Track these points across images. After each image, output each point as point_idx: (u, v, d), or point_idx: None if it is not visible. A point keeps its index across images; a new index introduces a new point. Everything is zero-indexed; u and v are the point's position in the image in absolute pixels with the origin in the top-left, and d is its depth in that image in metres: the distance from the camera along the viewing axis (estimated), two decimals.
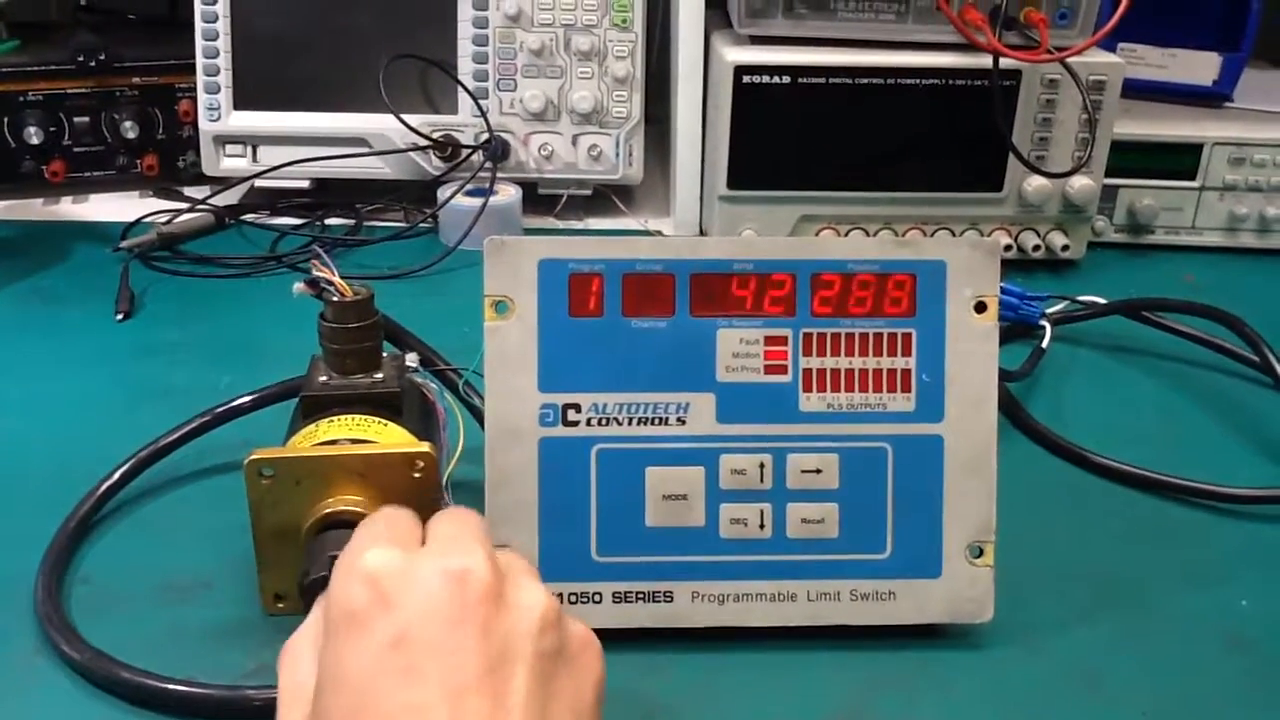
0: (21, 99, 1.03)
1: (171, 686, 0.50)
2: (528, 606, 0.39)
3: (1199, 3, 1.12)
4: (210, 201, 1.04)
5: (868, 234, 0.99)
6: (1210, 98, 1.11)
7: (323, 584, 0.44)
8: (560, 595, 0.53)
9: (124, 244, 0.94)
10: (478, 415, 0.60)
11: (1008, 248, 0.99)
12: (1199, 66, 1.10)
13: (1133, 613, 0.58)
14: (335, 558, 0.47)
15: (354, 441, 0.53)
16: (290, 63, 1.04)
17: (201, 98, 1.04)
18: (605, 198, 1.09)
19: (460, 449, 0.58)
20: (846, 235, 0.98)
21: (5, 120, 1.03)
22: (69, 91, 1.04)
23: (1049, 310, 0.85)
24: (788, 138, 0.95)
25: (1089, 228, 1.01)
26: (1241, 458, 0.73)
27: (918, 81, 0.94)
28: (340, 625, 0.38)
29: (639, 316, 0.53)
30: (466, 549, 0.39)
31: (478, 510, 0.45)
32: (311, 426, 0.54)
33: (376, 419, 0.55)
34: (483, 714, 0.36)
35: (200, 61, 1.03)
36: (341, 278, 0.56)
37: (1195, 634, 0.57)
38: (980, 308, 0.54)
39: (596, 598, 0.54)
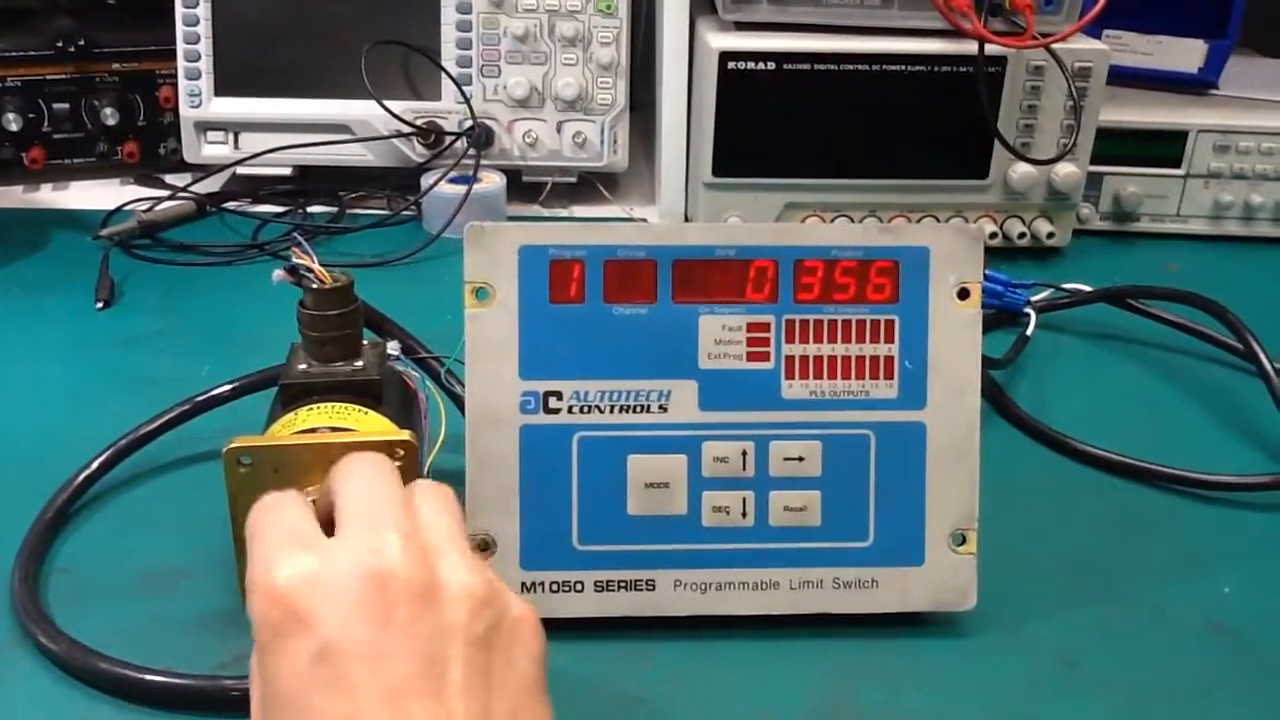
0: (0, 85, 1.02)
1: (149, 677, 0.49)
2: (456, 593, 0.37)
3: None
4: (191, 189, 1.03)
5: (853, 221, 0.98)
6: (1196, 85, 1.11)
7: None
8: (542, 584, 0.53)
9: (104, 232, 0.94)
10: (459, 403, 0.59)
11: (993, 235, 0.99)
12: (1184, 53, 1.10)
13: (1115, 600, 0.58)
14: None
15: (334, 429, 0.52)
16: (272, 49, 1.03)
17: (182, 84, 1.03)
18: (590, 185, 1.08)
19: (442, 437, 0.58)
20: (832, 222, 0.98)
21: None
22: (48, 78, 1.03)
23: (1034, 298, 0.85)
24: (773, 125, 0.95)
25: (1074, 215, 1.01)
26: (1225, 445, 0.73)
27: (903, 68, 0.93)
28: (265, 644, 0.36)
29: (621, 303, 0.53)
30: (383, 540, 0.37)
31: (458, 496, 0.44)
32: (291, 415, 0.54)
33: (356, 407, 0.54)
34: (424, 714, 0.35)
35: (181, 47, 1.02)
36: (322, 265, 0.55)
37: (1178, 621, 0.57)
38: (964, 294, 0.54)
39: (578, 586, 0.54)
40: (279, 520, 0.40)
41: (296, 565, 0.37)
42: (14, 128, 1.02)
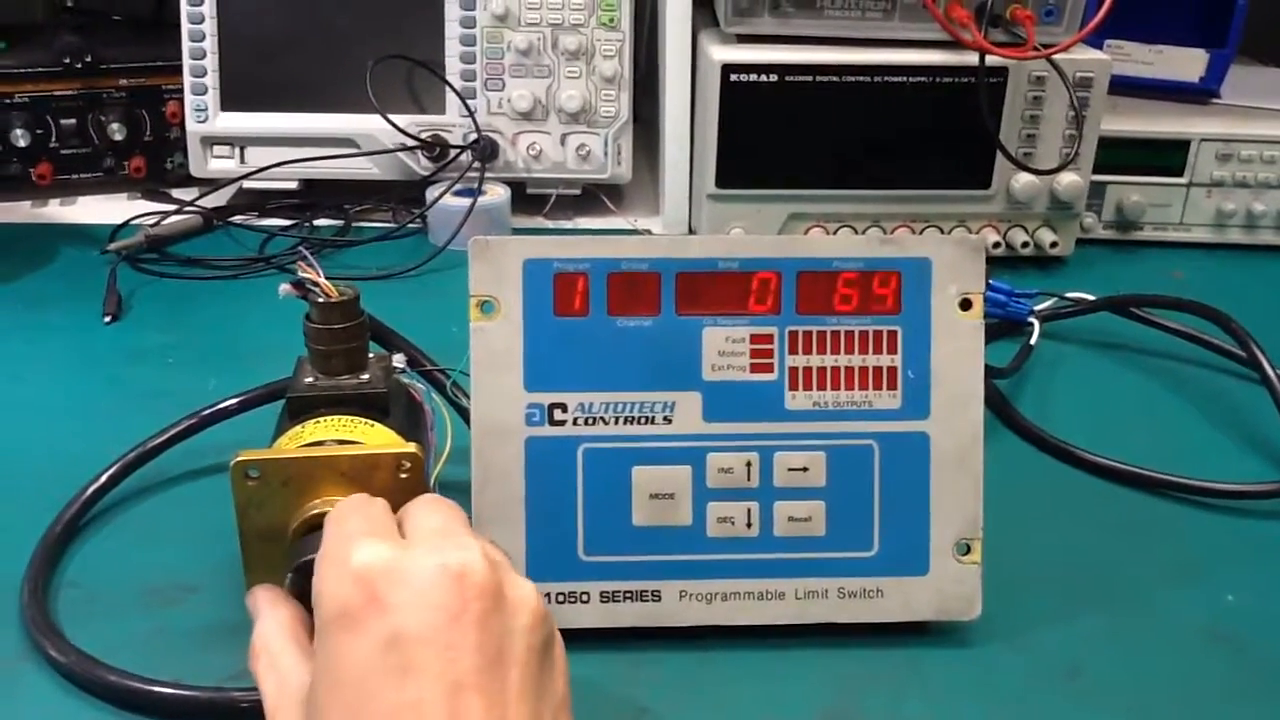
0: (8, 101, 1.02)
1: (158, 689, 0.50)
2: (521, 601, 0.39)
3: None
4: (198, 203, 1.04)
5: (856, 232, 0.99)
6: (1197, 94, 1.11)
7: (309, 568, 0.44)
8: (548, 595, 0.53)
9: (111, 246, 0.94)
10: (465, 415, 0.60)
11: (996, 244, 0.99)
12: (1186, 63, 1.11)
13: (1120, 608, 0.58)
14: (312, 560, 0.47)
15: (340, 442, 0.53)
16: (277, 63, 1.04)
17: (189, 99, 1.04)
18: (594, 197, 1.09)
19: (448, 449, 0.58)
20: (835, 233, 0.99)
21: None
22: (55, 94, 1.04)
23: (1037, 307, 0.85)
24: (775, 136, 0.95)
25: (1077, 224, 1.01)
26: (1228, 453, 0.73)
27: (905, 79, 0.94)
28: (332, 624, 0.38)
29: (624, 316, 0.53)
30: (462, 543, 0.39)
31: (463, 508, 0.45)
32: (298, 427, 0.54)
33: (363, 419, 0.54)
34: (479, 711, 0.36)
35: (187, 62, 1.03)
36: (327, 278, 0.56)
37: (1182, 629, 0.57)
38: (966, 305, 0.54)
39: (584, 597, 0.54)
40: (362, 513, 0.42)
41: (377, 552, 0.38)
42: (22, 143, 1.03)
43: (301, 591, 0.47)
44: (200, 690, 0.50)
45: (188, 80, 1.03)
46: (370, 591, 0.37)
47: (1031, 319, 0.83)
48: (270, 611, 0.45)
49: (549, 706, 0.38)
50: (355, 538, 0.40)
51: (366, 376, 0.56)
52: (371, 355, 0.58)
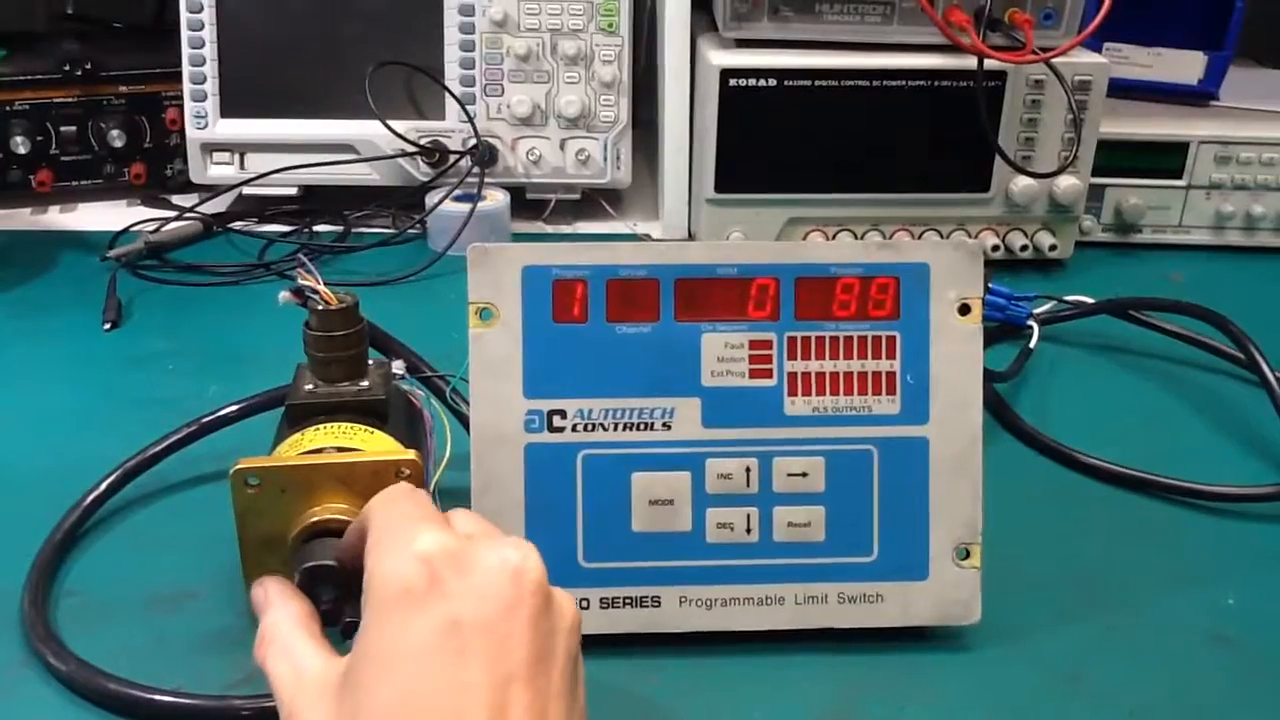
0: (8, 109, 1.03)
1: (158, 697, 0.50)
2: (565, 605, 0.40)
3: (1184, 2, 1.12)
4: (198, 209, 1.04)
5: (855, 236, 0.99)
6: (1196, 96, 1.11)
7: (321, 571, 0.46)
8: None
9: (111, 253, 0.94)
10: (465, 422, 0.60)
11: (995, 248, 0.99)
12: (1184, 65, 1.11)
13: (1120, 612, 0.58)
14: (323, 566, 0.47)
15: (340, 450, 0.53)
16: (277, 70, 1.04)
17: (188, 105, 1.04)
18: (594, 202, 1.09)
19: (448, 456, 0.58)
20: (834, 237, 0.99)
21: None
22: (55, 101, 1.04)
23: (1036, 310, 0.85)
24: (774, 140, 0.95)
25: (1076, 227, 1.01)
26: (1228, 456, 0.73)
27: (903, 83, 0.94)
28: (392, 602, 0.38)
29: (623, 322, 0.54)
30: (517, 542, 0.40)
31: None
32: (297, 435, 0.54)
33: (362, 427, 0.55)
34: (524, 704, 0.37)
35: (186, 69, 1.03)
36: (327, 285, 0.56)
37: (1182, 633, 0.57)
38: (964, 310, 0.54)
39: (584, 603, 0.54)
40: (414, 500, 0.43)
41: (440, 539, 0.39)
42: (22, 150, 1.03)
43: (309, 594, 0.47)
44: (201, 698, 0.50)
45: (187, 87, 1.03)
46: (434, 574, 0.38)
47: (1031, 322, 0.83)
48: (282, 602, 0.45)
49: (578, 710, 0.40)
50: (416, 522, 0.41)
51: (366, 383, 0.57)
52: (371, 362, 0.58)
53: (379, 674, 0.37)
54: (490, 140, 1.04)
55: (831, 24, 0.94)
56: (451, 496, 0.56)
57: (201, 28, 1.02)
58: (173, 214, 1.03)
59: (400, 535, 0.40)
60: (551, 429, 0.54)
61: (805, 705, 0.52)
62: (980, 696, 0.53)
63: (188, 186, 1.08)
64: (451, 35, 1.03)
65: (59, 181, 1.06)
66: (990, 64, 0.91)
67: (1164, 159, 1.04)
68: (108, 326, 0.85)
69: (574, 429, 0.54)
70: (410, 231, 1.02)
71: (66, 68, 1.03)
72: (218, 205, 1.06)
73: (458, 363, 0.58)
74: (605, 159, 1.05)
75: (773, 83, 0.93)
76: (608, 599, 0.54)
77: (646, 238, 1.05)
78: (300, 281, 0.55)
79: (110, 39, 1.13)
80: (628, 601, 0.54)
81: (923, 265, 0.54)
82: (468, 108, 1.03)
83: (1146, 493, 0.68)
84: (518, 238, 1.02)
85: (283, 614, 0.45)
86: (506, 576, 0.39)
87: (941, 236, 0.99)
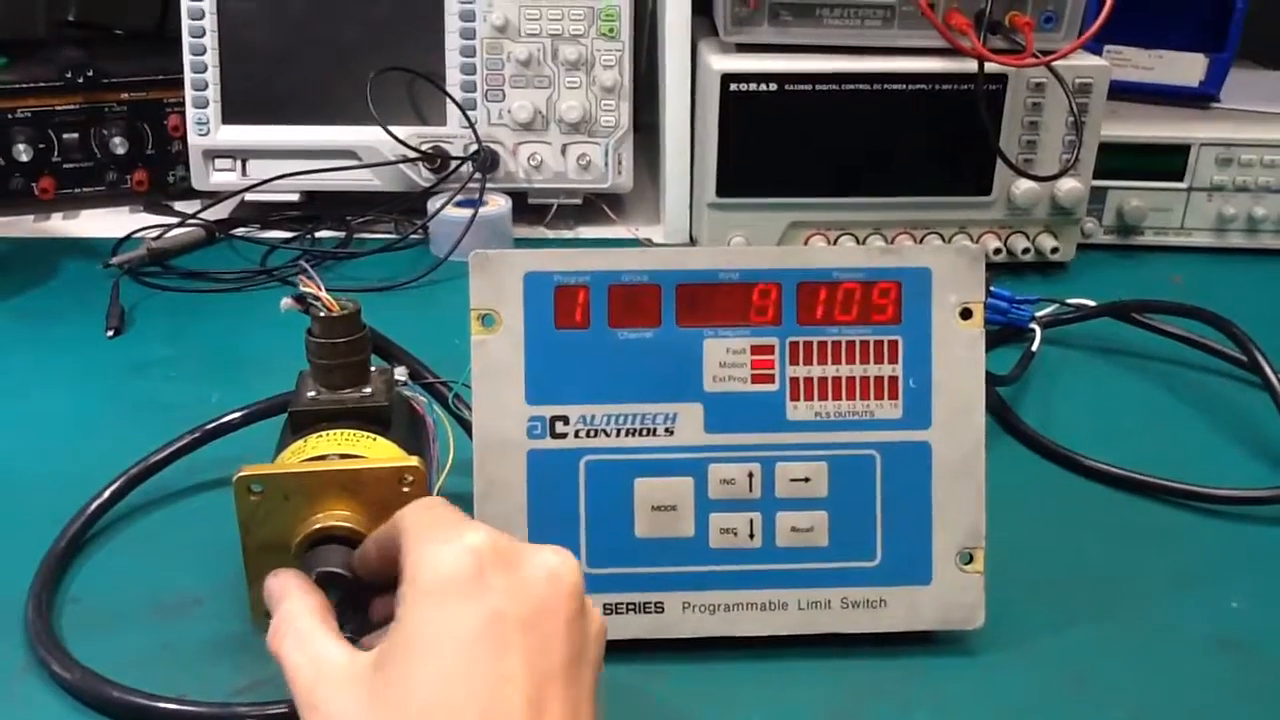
0: (10, 116, 1.03)
1: (163, 705, 0.50)
2: (594, 614, 0.42)
3: (1184, 4, 1.12)
4: (200, 216, 1.04)
5: (857, 239, 0.99)
6: (1197, 98, 1.11)
7: (324, 578, 0.47)
8: None
9: (114, 260, 0.95)
10: (467, 428, 0.60)
11: (997, 251, 0.99)
12: (1185, 67, 1.11)
13: (1124, 616, 0.58)
14: (326, 573, 0.47)
15: (343, 456, 0.53)
16: (279, 76, 1.04)
17: (190, 112, 1.04)
18: (595, 207, 1.09)
19: (450, 462, 0.58)
20: (836, 241, 0.99)
21: None
22: (58, 108, 1.04)
23: (1038, 313, 0.85)
24: (775, 145, 0.95)
25: (1078, 230, 1.01)
26: (1231, 458, 0.73)
27: (904, 87, 0.94)
28: (437, 591, 0.39)
29: (625, 327, 0.54)
30: (556, 549, 0.42)
31: None
32: (300, 442, 0.54)
33: (365, 433, 0.55)
34: (560, 702, 0.38)
35: (189, 76, 1.03)
36: (329, 292, 0.56)
37: (1186, 636, 0.57)
38: (966, 314, 0.54)
39: None
40: (454, 510, 0.44)
41: (488, 537, 0.41)
42: (24, 158, 1.03)
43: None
44: (205, 706, 0.50)
45: (189, 93, 1.04)
46: (480, 566, 0.39)
47: (1033, 325, 0.83)
48: (300, 594, 0.46)
49: (602, 714, 0.41)
50: (460, 522, 0.42)
51: (368, 390, 0.57)
52: (373, 368, 0.58)
53: (421, 658, 0.38)
54: (492, 145, 1.04)
55: (832, 28, 0.94)
56: (454, 502, 0.56)
57: (203, 34, 1.02)
58: (175, 220, 1.03)
59: (447, 531, 0.41)
60: (554, 435, 0.54)
61: (809, 710, 0.52)
62: (984, 701, 0.53)
63: (190, 193, 1.08)
64: (452, 41, 1.03)
65: (61, 189, 1.06)
66: (991, 67, 0.91)
67: (1165, 161, 1.04)
68: (110, 333, 0.85)
69: (576, 435, 0.54)
70: (412, 237, 1.02)
71: (68, 75, 1.04)
72: (220, 212, 1.06)
73: (460, 369, 0.58)
74: (606, 164, 1.05)
75: (774, 87, 0.93)
76: (611, 604, 0.54)
77: (648, 243, 1.05)
78: (302, 288, 0.56)
79: (112, 46, 1.13)
80: (631, 607, 0.54)
81: (924, 269, 0.54)
82: (469, 113, 1.03)
83: (1149, 496, 0.68)
84: (519, 243, 1.02)
85: (300, 605, 0.45)
86: (547, 579, 0.40)
87: (943, 240, 0.99)
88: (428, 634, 0.38)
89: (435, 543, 0.41)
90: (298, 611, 0.44)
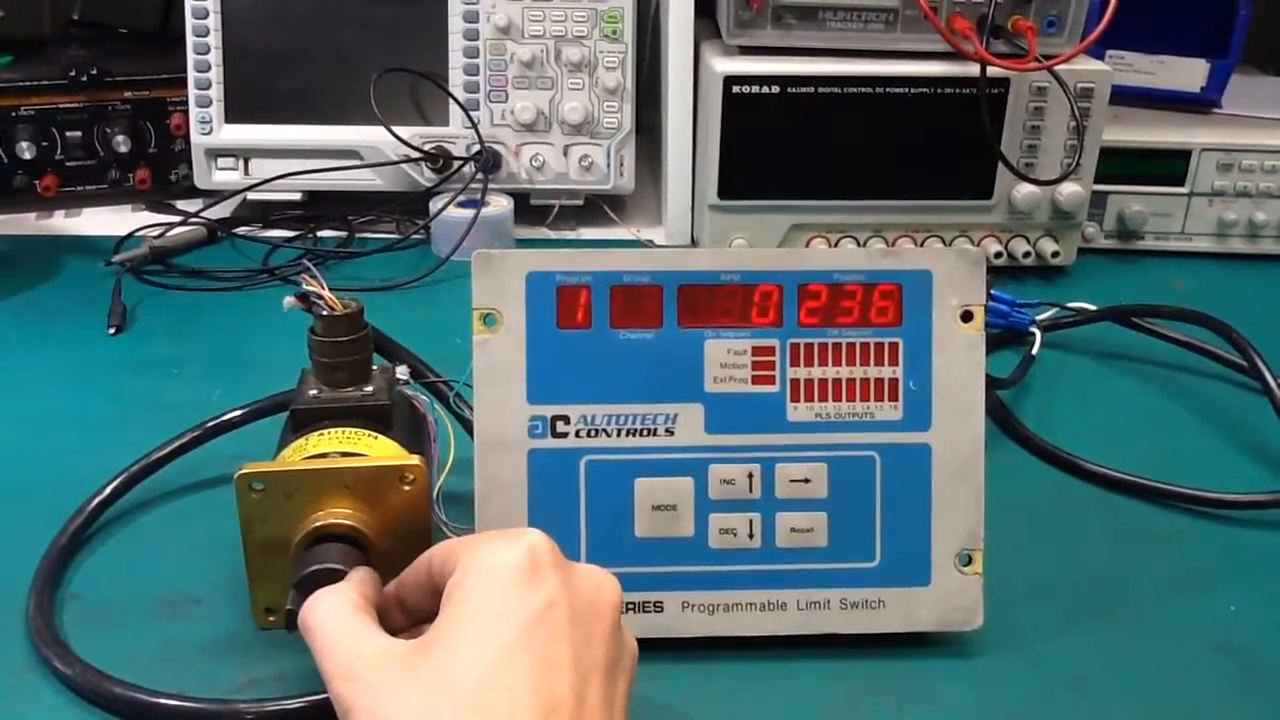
0: (13, 114, 1.03)
1: (163, 701, 0.50)
2: (631, 636, 0.45)
3: (1186, 9, 1.12)
4: (202, 215, 1.04)
5: (858, 242, 0.99)
6: (1198, 104, 1.11)
7: (325, 575, 0.47)
8: None
9: (116, 258, 0.95)
10: (468, 427, 0.60)
11: (998, 254, 0.99)
12: (1187, 73, 1.11)
13: (1122, 619, 0.58)
14: (327, 570, 0.48)
15: (344, 455, 0.53)
16: (282, 76, 1.04)
17: (193, 111, 1.04)
18: (597, 208, 1.09)
19: (451, 461, 0.58)
20: (837, 244, 0.99)
21: None
22: (61, 106, 1.04)
23: (1039, 317, 0.85)
24: (778, 147, 0.96)
25: (1079, 234, 1.01)
26: (1231, 463, 0.73)
27: (906, 90, 0.94)
28: (496, 577, 0.41)
29: (627, 328, 0.54)
30: (601, 569, 0.44)
31: (469, 523, 0.45)
32: (301, 440, 0.54)
33: (366, 432, 0.55)
34: (600, 695, 0.40)
35: (192, 75, 1.03)
36: (332, 291, 0.56)
37: (1184, 640, 0.57)
38: (967, 317, 0.55)
39: None
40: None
41: (548, 541, 0.43)
42: (27, 156, 1.03)
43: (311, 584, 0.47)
44: (205, 702, 0.50)
45: (192, 93, 1.04)
46: (538, 561, 0.41)
47: (1033, 329, 0.83)
48: (340, 587, 0.46)
49: None
50: (515, 529, 0.44)
51: (370, 389, 0.57)
52: (375, 367, 0.58)
53: (477, 635, 0.39)
54: (494, 146, 1.04)
55: (835, 31, 0.94)
56: (454, 502, 0.57)
57: (207, 33, 1.02)
58: (177, 219, 1.04)
59: (506, 533, 0.43)
60: (555, 434, 0.54)
61: (807, 711, 0.52)
62: (982, 703, 0.53)
63: (192, 192, 1.08)
64: (456, 41, 1.03)
65: (64, 187, 1.06)
66: (993, 71, 0.92)
67: (1167, 166, 1.04)
68: (112, 331, 0.85)
69: (577, 434, 0.54)
70: (414, 237, 1.02)
71: (72, 73, 1.04)
72: (222, 210, 1.06)
73: (461, 368, 0.58)
74: (609, 165, 1.05)
75: (776, 89, 0.94)
76: None
77: (650, 244, 1.05)
78: (305, 287, 0.56)
79: (116, 44, 1.13)
80: (630, 607, 0.54)
81: (925, 272, 0.54)
82: (472, 114, 1.03)
83: (1149, 499, 0.68)
84: (521, 243, 1.03)
85: (338, 593, 0.45)
86: (594, 585, 0.43)
87: (944, 243, 0.99)
88: (484, 612, 0.40)
89: (495, 540, 0.43)
90: (336, 592, 0.45)
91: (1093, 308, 0.87)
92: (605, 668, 0.41)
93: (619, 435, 0.54)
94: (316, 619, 0.43)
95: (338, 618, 0.43)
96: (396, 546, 0.51)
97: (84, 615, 0.56)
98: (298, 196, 1.06)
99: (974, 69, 0.92)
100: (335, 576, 0.48)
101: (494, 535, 0.44)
